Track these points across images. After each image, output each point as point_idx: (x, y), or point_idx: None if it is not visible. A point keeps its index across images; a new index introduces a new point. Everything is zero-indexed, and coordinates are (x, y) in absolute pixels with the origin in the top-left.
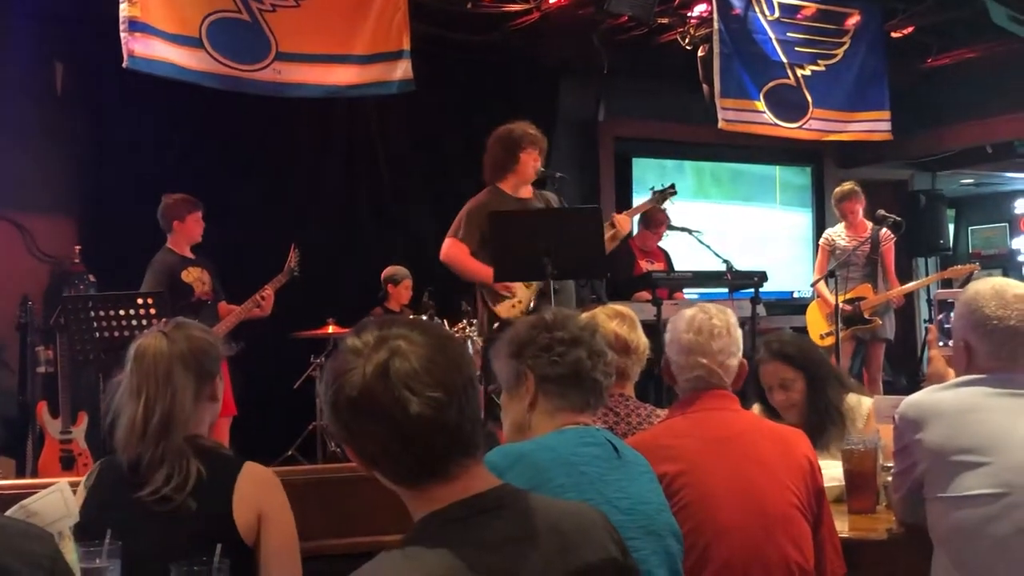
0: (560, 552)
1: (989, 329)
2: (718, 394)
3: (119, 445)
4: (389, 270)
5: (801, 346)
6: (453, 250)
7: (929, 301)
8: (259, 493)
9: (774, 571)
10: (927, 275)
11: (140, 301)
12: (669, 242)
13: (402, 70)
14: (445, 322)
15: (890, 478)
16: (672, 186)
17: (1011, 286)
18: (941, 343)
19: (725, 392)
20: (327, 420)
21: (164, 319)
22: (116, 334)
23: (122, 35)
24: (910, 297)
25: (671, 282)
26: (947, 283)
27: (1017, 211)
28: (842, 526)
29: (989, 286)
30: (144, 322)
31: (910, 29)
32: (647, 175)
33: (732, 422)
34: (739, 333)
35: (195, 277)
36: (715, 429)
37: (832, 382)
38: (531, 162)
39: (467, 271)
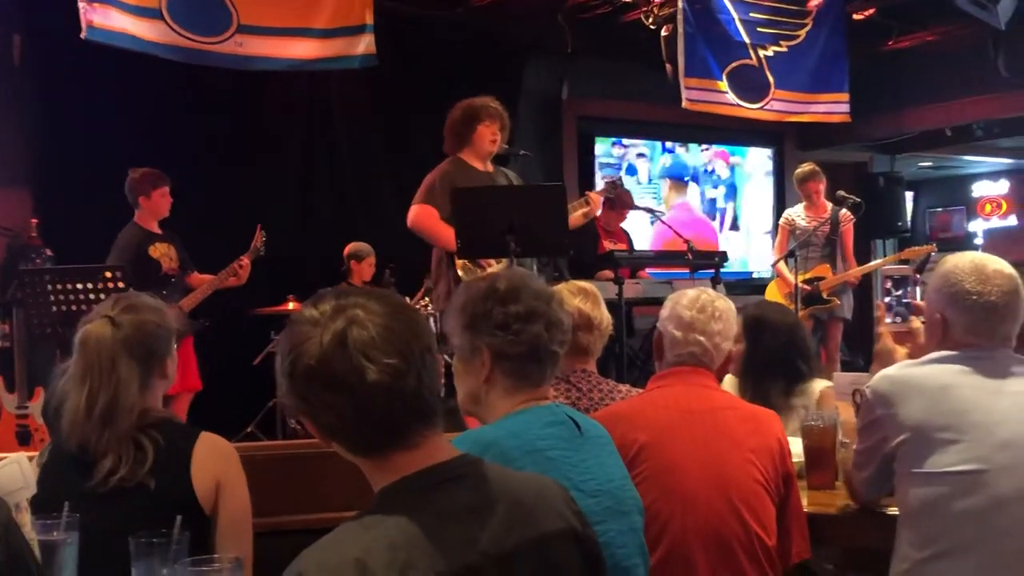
0: (519, 521)
1: (968, 304)
2: (695, 371)
3: (65, 432)
4: (353, 246)
5: (760, 318)
6: (422, 214)
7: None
8: (217, 462)
9: (734, 544)
10: (885, 256)
11: (108, 275)
12: (632, 223)
13: (365, 45)
14: (407, 299)
15: (849, 454)
16: (620, 178)
17: (990, 261)
18: (889, 320)
19: (707, 371)
20: (284, 392)
21: (113, 298)
22: (75, 308)
23: (80, 6)
24: (867, 277)
25: (633, 261)
26: (904, 264)
27: (975, 194)
28: (802, 501)
29: (968, 260)
30: (104, 297)
31: (871, 11)
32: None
33: (706, 397)
34: (735, 321)
35: (162, 252)
36: (687, 401)
37: (771, 369)
38: (488, 134)
39: (437, 236)
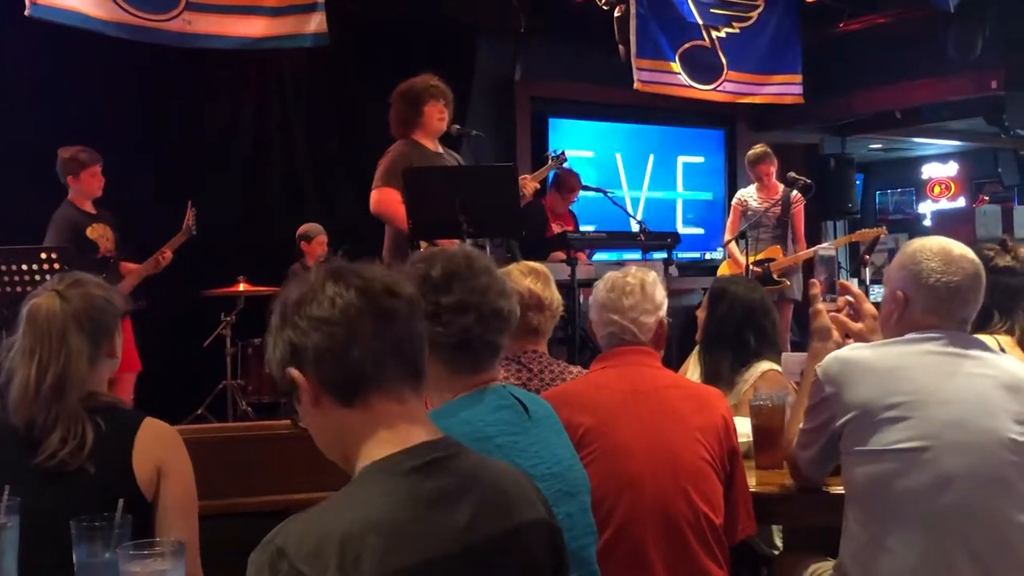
0: (498, 509)
1: (931, 283)
2: (636, 350)
3: (12, 407)
4: (302, 228)
5: (723, 290)
6: (385, 198)
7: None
8: (159, 448)
9: (681, 523)
10: (836, 237)
11: (44, 256)
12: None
13: (316, 23)
14: None
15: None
16: (563, 153)
17: (955, 245)
18: (826, 298)
19: (643, 348)
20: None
21: (58, 275)
22: (11, 289)
23: None
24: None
25: (586, 242)
26: (855, 246)
27: (924, 176)
28: (750, 481)
29: (936, 242)
30: (47, 278)
31: None
32: (565, 135)
33: (649, 377)
34: (657, 292)
35: (99, 234)
36: (631, 382)
37: (723, 341)
38: (436, 114)
39: (402, 218)
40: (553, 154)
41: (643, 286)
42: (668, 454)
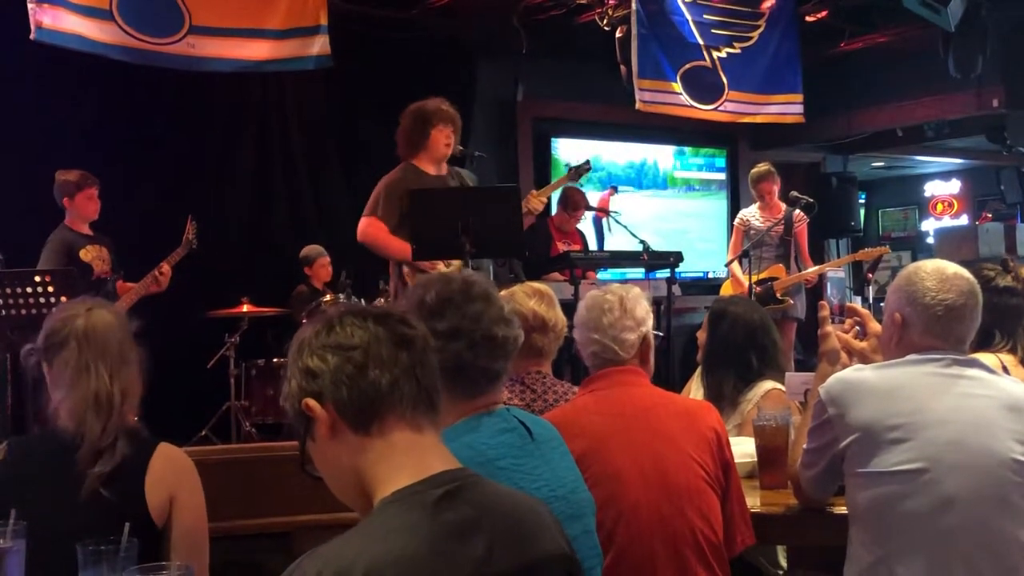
0: (518, 541)
1: (927, 303)
2: (622, 369)
3: (68, 422)
4: (303, 251)
5: (723, 311)
6: (371, 228)
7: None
8: (172, 475)
9: (681, 545)
10: (839, 256)
11: (37, 279)
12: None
13: (319, 46)
14: (363, 301)
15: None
16: (587, 162)
17: (950, 265)
18: (835, 320)
19: (628, 368)
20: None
21: (65, 297)
22: (22, 312)
23: (29, 6)
24: (820, 277)
25: (588, 262)
26: (858, 264)
27: (926, 194)
28: (754, 501)
29: (932, 264)
30: (42, 300)
31: (824, 13)
32: (567, 155)
33: (638, 398)
34: (638, 308)
35: (94, 255)
36: (620, 405)
37: (724, 362)
38: (442, 139)
39: (387, 249)
40: (570, 166)
41: (622, 302)
42: (662, 476)
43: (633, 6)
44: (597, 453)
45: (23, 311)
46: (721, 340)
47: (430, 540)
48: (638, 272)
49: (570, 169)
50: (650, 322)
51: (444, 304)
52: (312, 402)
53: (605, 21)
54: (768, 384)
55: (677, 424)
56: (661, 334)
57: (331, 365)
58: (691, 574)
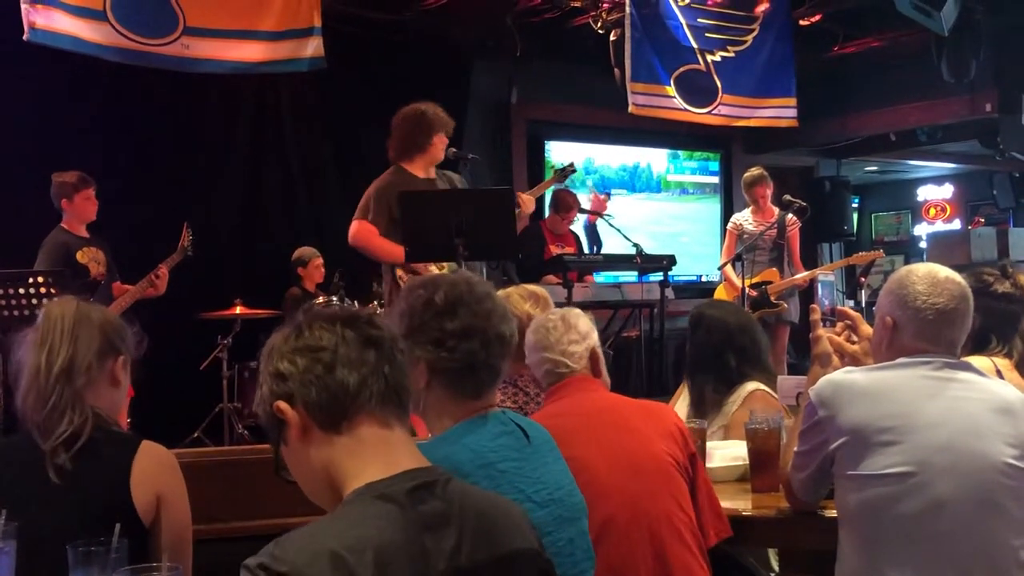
0: (488, 537)
1: (918, 306)
2: (578, 379)
3: (23, 396)
4: (296, 253)
5: (700, 316)
6: (362, 232)
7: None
8: (158, 473)
9: (655, 525)
10: (832, 260)
11: (31, 280)
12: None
13: (313, 47)
14: (355, 303)
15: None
16: (571, 165)
17: (941, 269)
18: (826, 323)
19: (584, 377)
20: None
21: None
22: (15, 313)
23: (23, 7)
24: (813, 281)
25: (582, 265)
26: (851, 269)
27: (919, 198)
28: (746, 504)
29: (923, 268)
30: (35, 301)
31: (818, 17)
32: (561, 157)
33: (599, 400)
34: (580, 322)
35: (90, 257)
36: (582, 406)
37: (704, 366)
38: (441, 144)
39: (378, 252)
40: (559, 167)
41: (564, 318)
42: (630, 462)
43: (627, 9)
44: (565, 447)
45: (16, 312)
46: (699, 345)
47: (404, 529)
48: (631, 275)
49: (555, 171)
50: (595, 336)
51: (455, 303)
52: (283, 404)
53: (599, 24)
54: (752, 385)
55: (640, 419)
56: (612, 352)
57: (300, 367)
58: (669, 553)
